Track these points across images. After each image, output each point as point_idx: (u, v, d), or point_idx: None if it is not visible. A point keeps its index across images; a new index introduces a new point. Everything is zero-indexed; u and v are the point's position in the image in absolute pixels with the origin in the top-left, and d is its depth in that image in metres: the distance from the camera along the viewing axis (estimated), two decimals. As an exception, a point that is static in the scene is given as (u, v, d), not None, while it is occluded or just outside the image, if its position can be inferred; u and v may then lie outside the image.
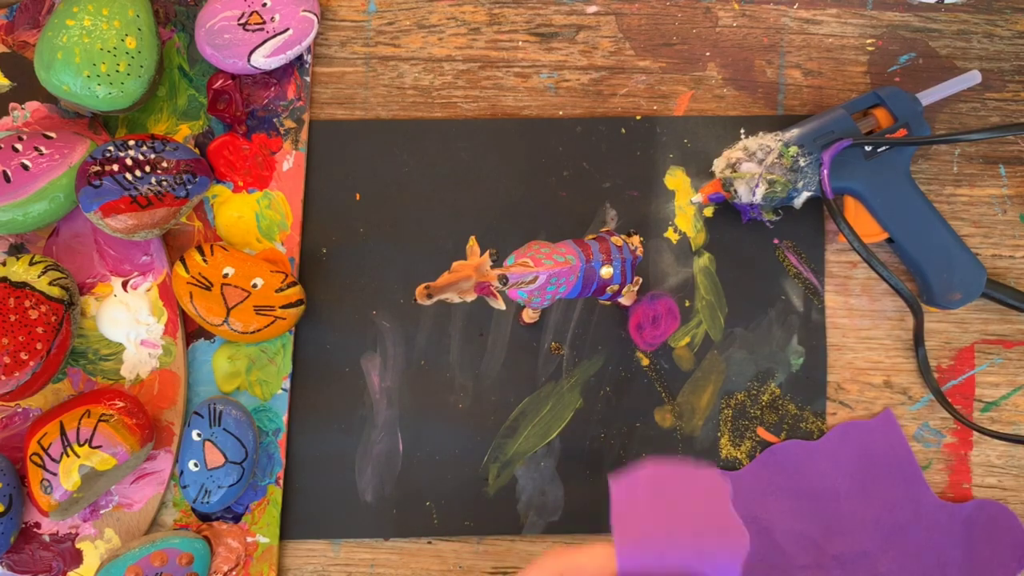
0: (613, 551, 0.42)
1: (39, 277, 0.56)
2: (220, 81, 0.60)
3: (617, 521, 0.43)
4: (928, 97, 0.59)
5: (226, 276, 0.57)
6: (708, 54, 0.63)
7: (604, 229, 0.60)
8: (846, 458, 0.60)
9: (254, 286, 0.57)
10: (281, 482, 0.60)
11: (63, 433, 0.54)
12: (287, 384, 0.60)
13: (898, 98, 0.58)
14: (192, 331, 0.60)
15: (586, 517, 0.60)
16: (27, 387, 0.54)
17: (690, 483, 0.44)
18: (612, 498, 0.43)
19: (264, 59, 0.59)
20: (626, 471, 0.44)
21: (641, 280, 0.58)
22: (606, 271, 0.52)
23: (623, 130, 0.62)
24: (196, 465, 0.57)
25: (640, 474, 0.44)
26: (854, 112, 0.59)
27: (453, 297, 0.47)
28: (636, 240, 0.55)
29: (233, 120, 0.61)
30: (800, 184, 0.57)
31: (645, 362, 0.61)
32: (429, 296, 0.46)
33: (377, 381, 0.61)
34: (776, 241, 0.61)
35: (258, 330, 0.57)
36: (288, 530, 0.60)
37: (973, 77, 0.60)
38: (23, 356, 0.54)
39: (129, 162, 0.56)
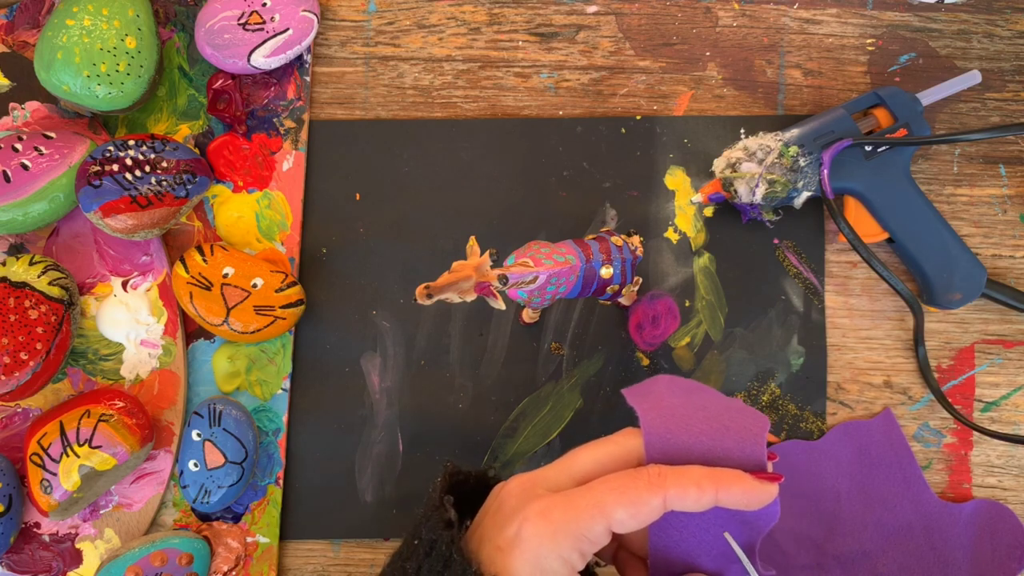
0: (638, 431, 0.41)
1: (39, 277, 0.56)
2: (220, 81, 0.60)
3: (638, 401, 0.42)
4: (928, 97, 0.59)
5: (226, 276, 0.58)
6: (708, 54, 0.63)
7: (604, 229, 0.60)
8: (846, 458, 0.60)
9: (254, 286, 0.57)
10: (281, 482, 0.60)
11: (63, 433, 0.54)
12: (287, 384, 0.60)
13: (898, 98, 0.58)
14: (192, 331, 0.60)
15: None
16: (27, 387, 0.54)
17: (702, 387, 0.44)
18: (630, 395, 0.43)
19: (264, 59, 0.59)
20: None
21: (641, 280, 0.58)
22: (606, 271, 0.52)
23: (623, 130, 0.62)
24: (196, 465, 0.57)
25: (655, 378, 0.44)
26: (854, 112, 0.59)
27: (453, 297, 0.47)
28: (636, 240, 0.55)
29: (233, 120, 0.61)
30: (800, 184, 0.57)
31: (645, 362, 0.61)
32: (429, 296, 0.46)
33: (377, 381, 0.61)
34: (776, 241, 0.61)
35: (258, 330, 0.57)
36: (288, 530, 0.60)
37: (973, 77, 0.60)
38: (23, 356, 0.54)
39: (129, 162, 0.56)
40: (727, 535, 0.40)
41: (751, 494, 0.38)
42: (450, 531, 0.39)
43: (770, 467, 0.40)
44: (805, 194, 0.58)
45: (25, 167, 0.56)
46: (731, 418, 0.41)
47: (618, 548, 0.45)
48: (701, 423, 0.40)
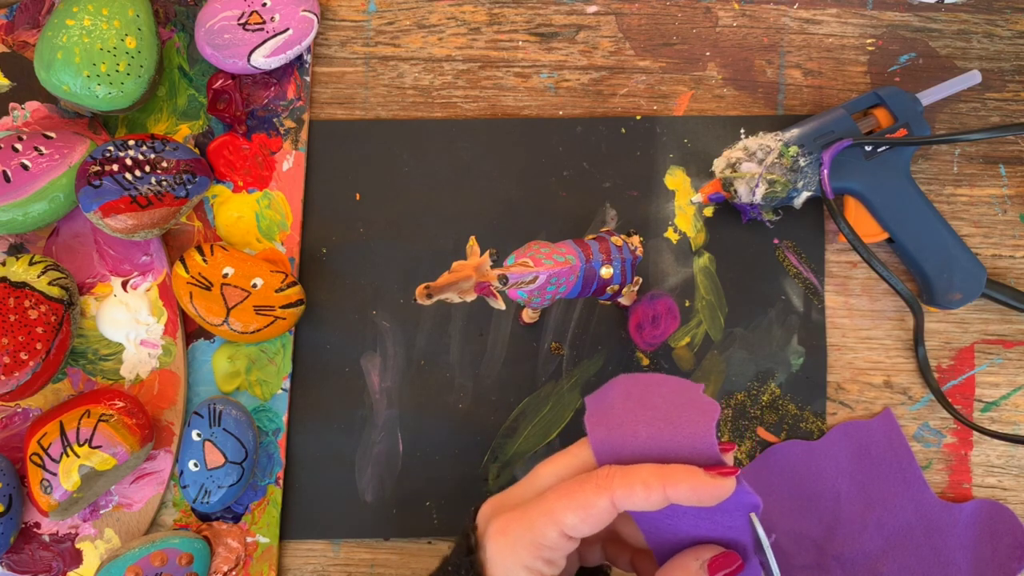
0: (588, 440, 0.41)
1: (39, 277, 0.56)
2: (220, 81, 0.60)
3: (590, 416, 0.42)
4: (928, 97, 0.59)
5: (226, 276, 0.58)
6: (708, 54, 0.63)
7: (604, 229, 0.60)
8: (846, 458, 0.60)
9: (254, 286, 0.57)
10: (281, 482, 0.60)
11: (63, 433, 0.54)
12: (287, 384, 0.60)
13: (898, 98, 0.58)
14: (192, 331, 0.60)
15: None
16: (27, 387, 0.54)
17: (661, 381, 0.44)
18: (588, 404, 0.43)
19: (264, 59, 0.59)
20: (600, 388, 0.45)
21: (641, 280, 0.58)
22: (606, 271, 0.52)
23: (623, 130, 0.62)
24: (196, 465, 0.57)
25: (613, 382, 0.44)
26: (854, 112, 0.59)
27: (453, 297, 0.47)
28: (636, 240, 0.55)
29: (233, 120, 0.61)
30: (800, 184, 0.57)
31: (645, 362, 0.61)
32: (429, 296, 0.46)
33: (377, 381, 0.61)
34: (776, 241, 0.61)
35: (258, 330, 0.57)
36: (288, 530, 0.60)
37: (973, 77, 0.60)
38: (23, 356, 0.54)
39: (129, 162, 0.56)
40: (752, 516, 0.39)
41: (701, 490, 0.37)
42: (470, 556, 0.41)
43: (729, 459, 0.39)
44: (805, 194, 0.58)
45: (25, 167, 0.56)
46: (679, 415, 0.40)
47: (634, 552, 0.45)
48: (648, 427, 0.40)
